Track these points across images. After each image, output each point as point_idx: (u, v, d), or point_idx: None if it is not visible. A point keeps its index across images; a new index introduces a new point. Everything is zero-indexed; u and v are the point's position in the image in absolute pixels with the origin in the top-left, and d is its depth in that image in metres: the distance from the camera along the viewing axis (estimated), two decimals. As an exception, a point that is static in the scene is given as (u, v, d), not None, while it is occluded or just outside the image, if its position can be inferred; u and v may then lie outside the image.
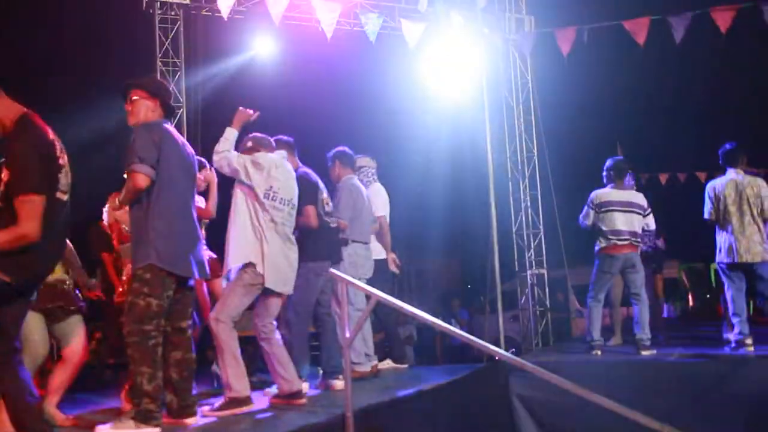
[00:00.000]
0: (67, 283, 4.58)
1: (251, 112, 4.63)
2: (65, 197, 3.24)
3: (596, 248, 6.70)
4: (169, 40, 9.13)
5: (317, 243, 5.15)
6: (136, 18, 9.29)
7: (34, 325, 4.23)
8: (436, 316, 4.80)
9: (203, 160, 5.45)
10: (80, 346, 4.54)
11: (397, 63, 10.57)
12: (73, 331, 4.53)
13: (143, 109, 3.97)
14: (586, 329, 6.83)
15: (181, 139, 4.13)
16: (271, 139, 4.87)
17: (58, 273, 4.45)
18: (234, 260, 4.40)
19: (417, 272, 16.95)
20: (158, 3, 9.07)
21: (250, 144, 4.74)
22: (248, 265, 4.38)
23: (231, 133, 4.57)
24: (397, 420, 4.50)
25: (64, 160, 3.22)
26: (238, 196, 4.51)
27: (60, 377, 4.43)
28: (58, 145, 3.22)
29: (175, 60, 9.15)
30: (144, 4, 9.11)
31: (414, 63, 9.65)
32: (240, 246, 4.40)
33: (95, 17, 11.69)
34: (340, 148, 6.14)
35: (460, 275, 19.14)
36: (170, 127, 4.06)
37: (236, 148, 4.64)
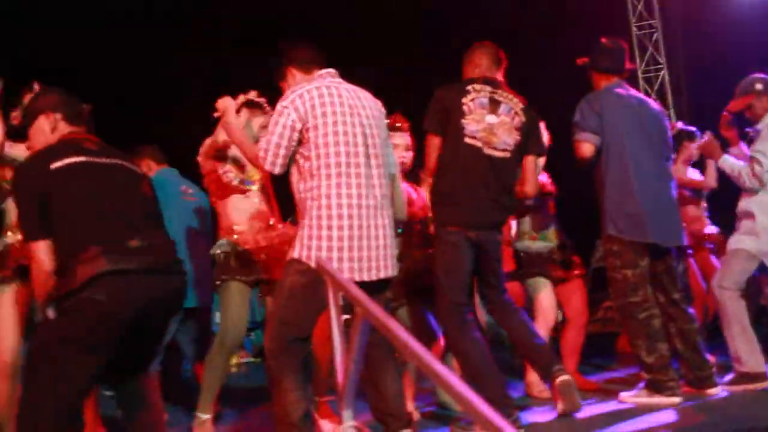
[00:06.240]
0: (554, 255, 4.51)
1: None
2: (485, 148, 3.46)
3: None
4: (641, 2, 9.02)
5: None
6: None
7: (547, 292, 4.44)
8: None
9: (693, 129, 5.29)
10: (581, 306, 4.59)
11: None
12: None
13: (595, 80, 4.07)
14: None
15: (639, 100, 4.11)
16: None
17: (550, 241, 4.49)
18: None
19: None
20: (628, -33, 9.01)
21: None
22: None
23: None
24: None
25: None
26: None
27: (569, 340, 4.57)
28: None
29: (650, 21, 8.99)
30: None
31: None
32: None
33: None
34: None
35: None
36: (622, 90, 4.02)
37: None
